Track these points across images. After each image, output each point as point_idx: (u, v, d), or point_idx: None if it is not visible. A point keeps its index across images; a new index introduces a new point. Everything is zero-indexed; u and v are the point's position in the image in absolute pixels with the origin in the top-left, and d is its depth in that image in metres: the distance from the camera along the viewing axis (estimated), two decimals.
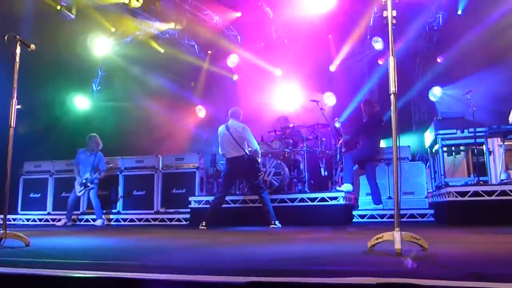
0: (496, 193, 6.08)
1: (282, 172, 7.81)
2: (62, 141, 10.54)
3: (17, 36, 3.86)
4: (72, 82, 11.57)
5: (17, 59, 3.86)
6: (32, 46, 3.93)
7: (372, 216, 7.99)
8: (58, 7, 9.87)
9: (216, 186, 9.03)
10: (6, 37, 3.78)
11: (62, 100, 11.86)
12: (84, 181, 8.57)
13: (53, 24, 9.86)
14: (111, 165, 9.30)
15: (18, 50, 3.87)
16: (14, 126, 3.80)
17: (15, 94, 3.83)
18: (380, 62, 12.08)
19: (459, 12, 10.37)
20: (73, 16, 10.12)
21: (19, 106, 3.84)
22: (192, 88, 13.65)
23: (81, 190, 8.59)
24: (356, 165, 8.13)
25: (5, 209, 3.73)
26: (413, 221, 7.61)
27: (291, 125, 8.49)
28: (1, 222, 3.67)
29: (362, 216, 8.06)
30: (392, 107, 2.97)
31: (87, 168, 8.63)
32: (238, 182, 8.13)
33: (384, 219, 7.82)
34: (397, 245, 2.67)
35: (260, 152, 7.20)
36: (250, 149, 6.96)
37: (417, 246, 2.86)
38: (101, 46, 11.80)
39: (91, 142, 8.79)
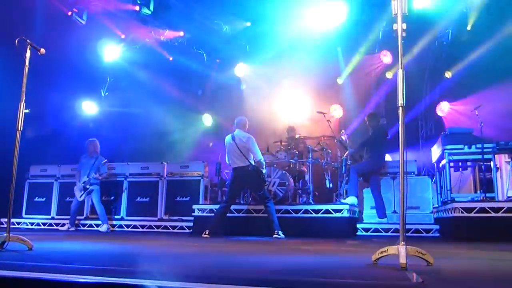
0: (503, 210, 6.04)
1: (286, 183, 7.78)
2: (69, 146, 10.57)
3: (28, 40, 3.89)
4: (80, 87, 11.65)
5: (27, 63, 3.88)
6: (42, 50, 3.96)
7: (376, 230, 7.92)
8: (70, 13, 9.96)
9: (220, 195, 9.01)
10: (16, 41, 3.81)
11: (70, 105, 11.94)
12: (82, 184, 8.59)
13: (63, 29, 9.96)
14: (114, 170, 9.32)
15: (28, 54, 3.90)
16: (21, 129, 3.81)
17: (24, 98, 3.84)
18: (388, 75, 12.06)
19: (469, 28, 10.34)
20: (84, 22, 10.21)
21: (27, 111, 3.85)
22: (199, 96, 13.68)
23: (81, 195, 8.60)
24: (361, 178, 8.09)
25: (10, 212, 3.74)
26: (418, 236, 7.54)
27: (297, 136, 8.48)
28: (5, 225, 3.67)
29: (366, 230, 8.00)
30: (400, 120, 2.95)
31: (86, 171, 8.65)
32: (242, 191, 8.10)
33: (389, 233, 7.76)
34: (402, 259, 2.64)
35: (264, 163, 7.18)
36: (254, 159, 6.95)
37: (422, 261, 2.82)
38: (111, 52, 11.90)
39: (89, 146, 8.88)
